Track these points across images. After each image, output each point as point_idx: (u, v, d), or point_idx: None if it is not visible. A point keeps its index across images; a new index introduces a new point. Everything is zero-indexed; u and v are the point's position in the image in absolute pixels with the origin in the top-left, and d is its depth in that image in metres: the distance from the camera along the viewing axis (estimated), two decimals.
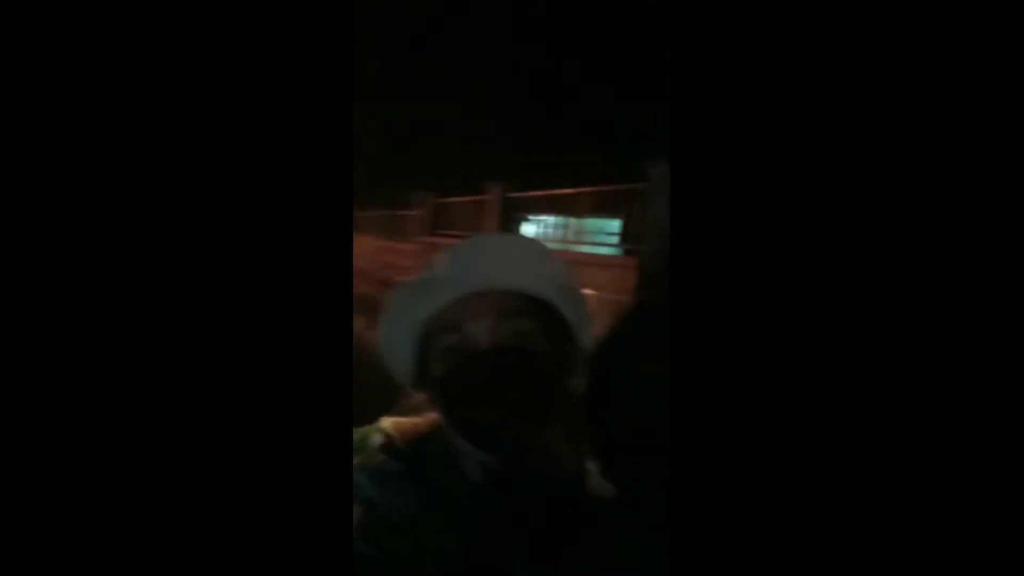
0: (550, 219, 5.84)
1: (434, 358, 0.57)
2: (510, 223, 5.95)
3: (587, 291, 0.60)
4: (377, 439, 0.62)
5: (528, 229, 6.11)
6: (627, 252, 4.47)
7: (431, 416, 0.62)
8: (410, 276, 0.60)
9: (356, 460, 0.61)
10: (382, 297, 0.60)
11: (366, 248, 8.00)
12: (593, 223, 5.30)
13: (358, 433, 0.65)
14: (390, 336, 0.60)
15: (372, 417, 0.66)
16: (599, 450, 0.56)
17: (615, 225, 5.07)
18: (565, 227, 5.53)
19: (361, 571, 0.50)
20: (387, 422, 0.65)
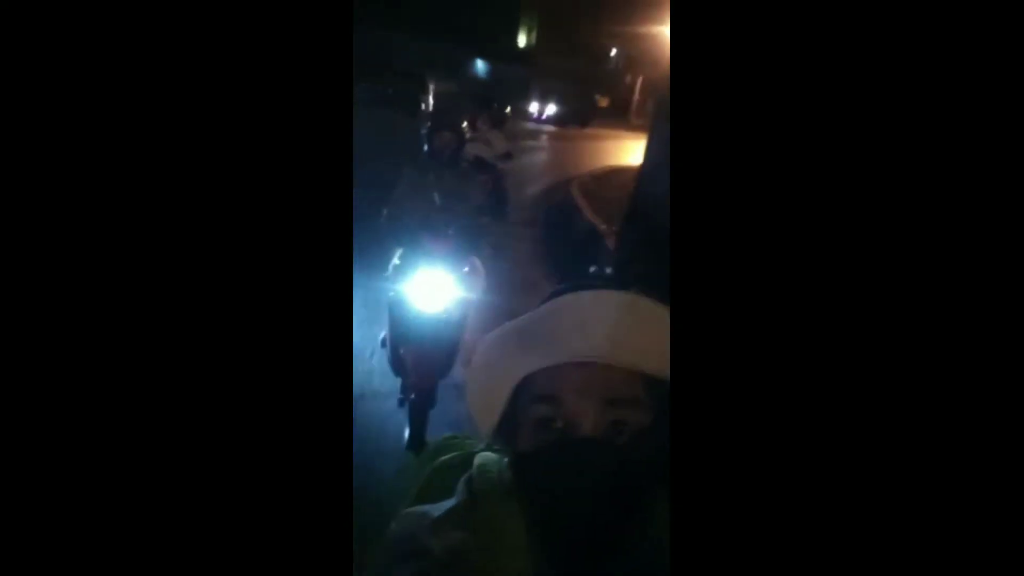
0: None
1: (522, 425, 0.50)
2: None
3: None
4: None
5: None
6: None
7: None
8: (511, 321, 0.53)
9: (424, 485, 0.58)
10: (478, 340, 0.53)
11: None
12: None
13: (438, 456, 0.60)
14: (479, 386, 0.54)
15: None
16: None
17: None
18: None
19: None
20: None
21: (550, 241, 5.34)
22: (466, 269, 2.26)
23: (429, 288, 2.06)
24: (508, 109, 4.51)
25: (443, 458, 0.61)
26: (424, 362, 2.09)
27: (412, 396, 2.11)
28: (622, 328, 0.48)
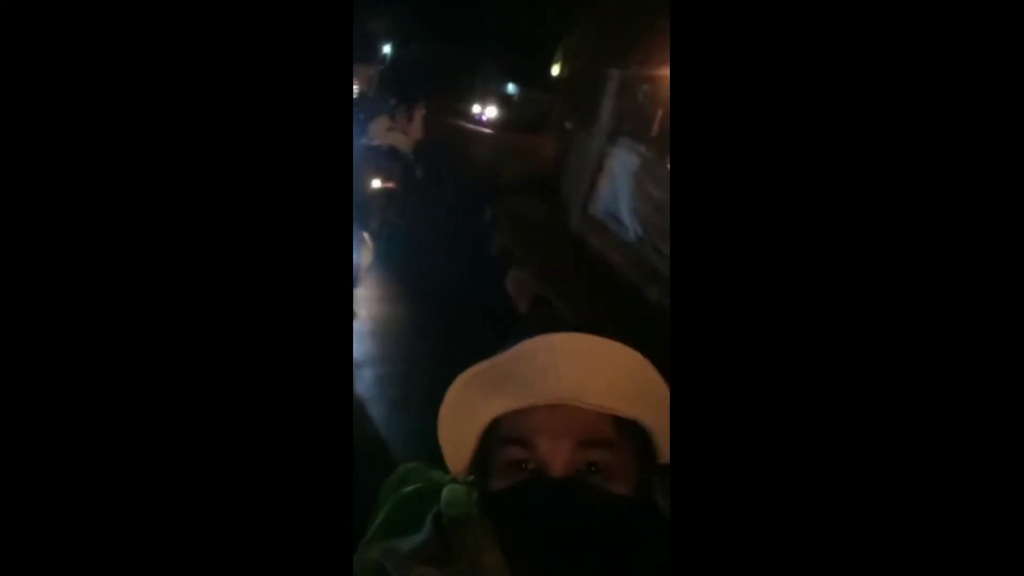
0: None
1: (495, 467, 0.50)
2: None
3: None
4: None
5: None
6: None
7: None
8: (480, 363, 0.52)
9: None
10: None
11: None
12: None
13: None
14: (450, 427, 0.54)
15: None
16: None
17: None
18: None
19: None
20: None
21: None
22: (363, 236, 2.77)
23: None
24: (423, 103, 4.81)
25: (406, 489, 0.60)
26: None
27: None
28: (591, 370, 0.49)
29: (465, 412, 0.52)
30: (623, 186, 5.29)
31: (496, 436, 0.51)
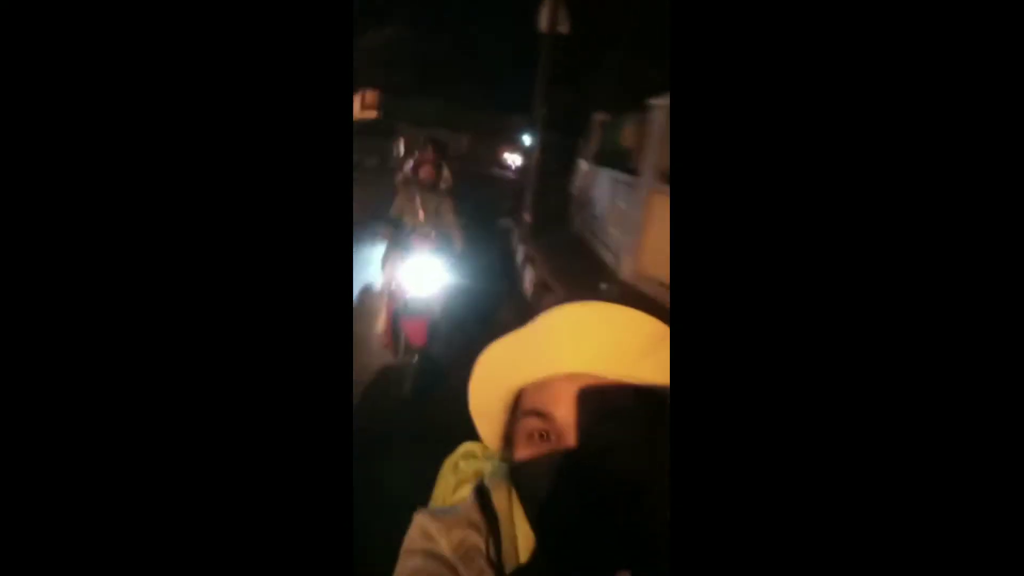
0: None
1: (518, 438, 0.51)
2: None
3: None
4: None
5: None
6: None
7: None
8: (506, 335, 0.53)
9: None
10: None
11: None
12: None
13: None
14: (479, 400, 0.55)
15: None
16: None
17: None
18: None
19: None
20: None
21: None
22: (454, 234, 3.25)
23: (416, 275, 3.03)
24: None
25: (462, 464, 0.64)
26: (416, 330, 3.04)
27: (414, 358, 3.02)
28: (610, 339, 0.48)
29: (492, 385, 0.53)
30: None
31: (519, 407, 0.52)
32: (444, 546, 0.48)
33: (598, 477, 0.45)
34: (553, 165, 9.39)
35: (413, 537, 0.50)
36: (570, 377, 0.48)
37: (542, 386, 0.50)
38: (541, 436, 0.49)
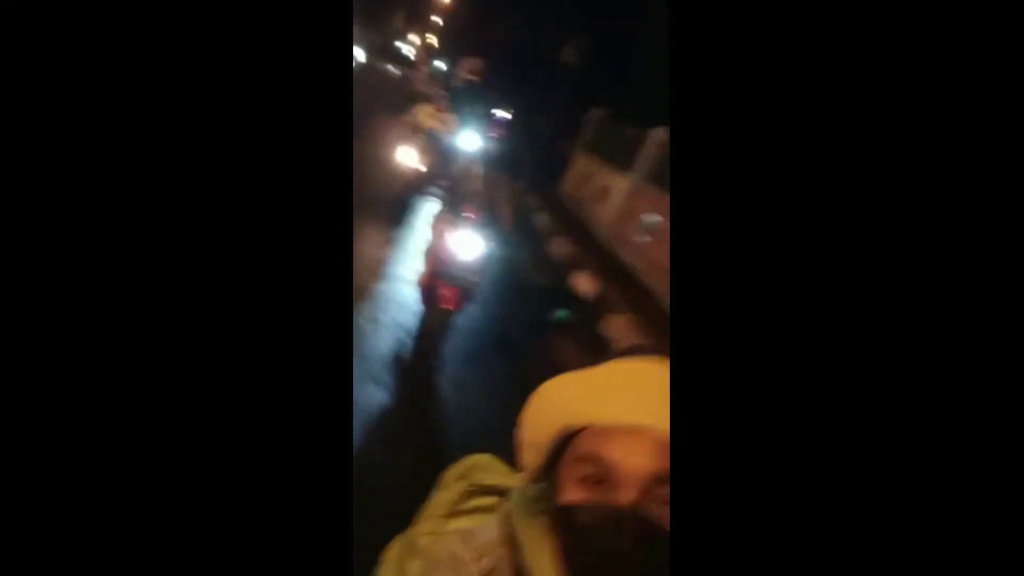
0: None
1: (568, 479, 0.49)
2: None
3: None
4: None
5: None
6: None
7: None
8: (575, 371, 0.53)
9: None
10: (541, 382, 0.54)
11: None
12: None
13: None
14: (532, 428, 0.54)
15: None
16: None
17: None
18: None
19: None
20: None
21: None
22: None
23: (464, 244, 3.00)
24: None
25: (477, 478, 0.63)
26: (450, 295, 2.97)
27: (442, 318, 2.93)
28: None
29: (550, 416, 0.52)
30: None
31: (574, 447, 0.50)
32: (472, 573, 0.49)
33: (645, 538, 0.45)
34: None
35: (440, 555, 0.51)
36: (634, 431, 0.47)
37: (603, 433, 0.48)
38: (594, 483, 0.48)
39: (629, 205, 6.66)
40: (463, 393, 2.92)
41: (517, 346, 3.66)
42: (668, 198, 6.67)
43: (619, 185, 7.06)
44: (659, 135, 6.60)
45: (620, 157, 7.29)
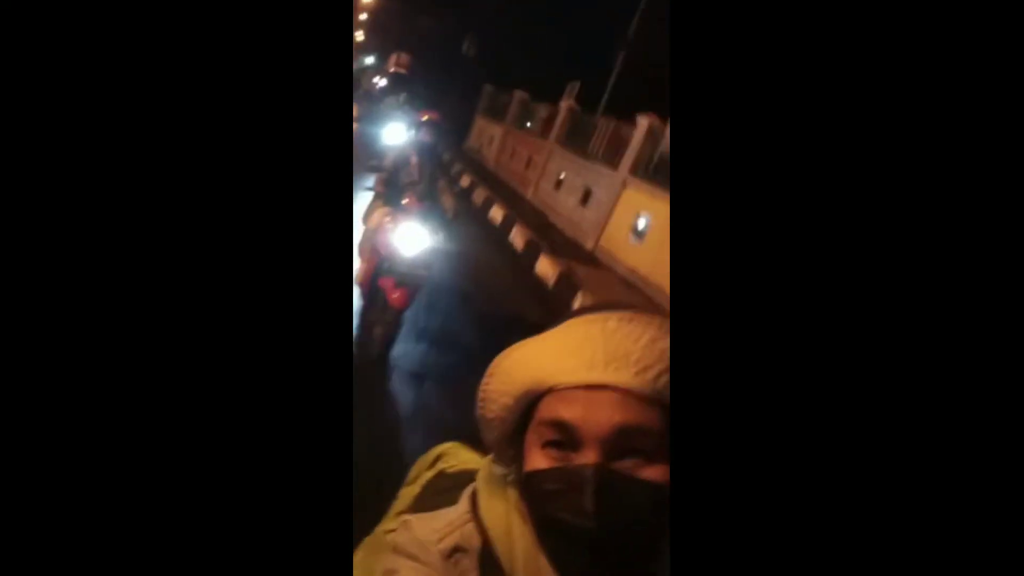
0: None
1: (532, 447, 0.48)
2: None
3: None
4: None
5: None
6: None
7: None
8: (528, 338, 0.51)
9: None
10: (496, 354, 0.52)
11: None
12: None
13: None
14: (490, 400, 0.52)
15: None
16: None
17: None
18: None
19: None
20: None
21: None
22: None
23: (406, 236, 2.88)
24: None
25: (443, 466, 0.64)
26: (399, 293, 2.86)
27: (390, 317, 2.89)
28: (638, 351, 0.46)
29: (508, 388, 0.50)
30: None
31: (536, 415, 0.49)
32: (435, 554, 0.49)
33: (614, 495, 0.44)
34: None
35: (402, 542, 0.50)
36: (592, 388, 0.46)
37: (563, 395, 0.47)
38: (558, 447, 0.47)
39: (505, 144, 11.54)
40: (418, 391, 2.83)
41: (469, 340, 3.56)
42: (528, 138, 10.69)
43: (497, 132, 12.07)
44: (520, 95, 11.38)
45: (497, 115, 12.42)
